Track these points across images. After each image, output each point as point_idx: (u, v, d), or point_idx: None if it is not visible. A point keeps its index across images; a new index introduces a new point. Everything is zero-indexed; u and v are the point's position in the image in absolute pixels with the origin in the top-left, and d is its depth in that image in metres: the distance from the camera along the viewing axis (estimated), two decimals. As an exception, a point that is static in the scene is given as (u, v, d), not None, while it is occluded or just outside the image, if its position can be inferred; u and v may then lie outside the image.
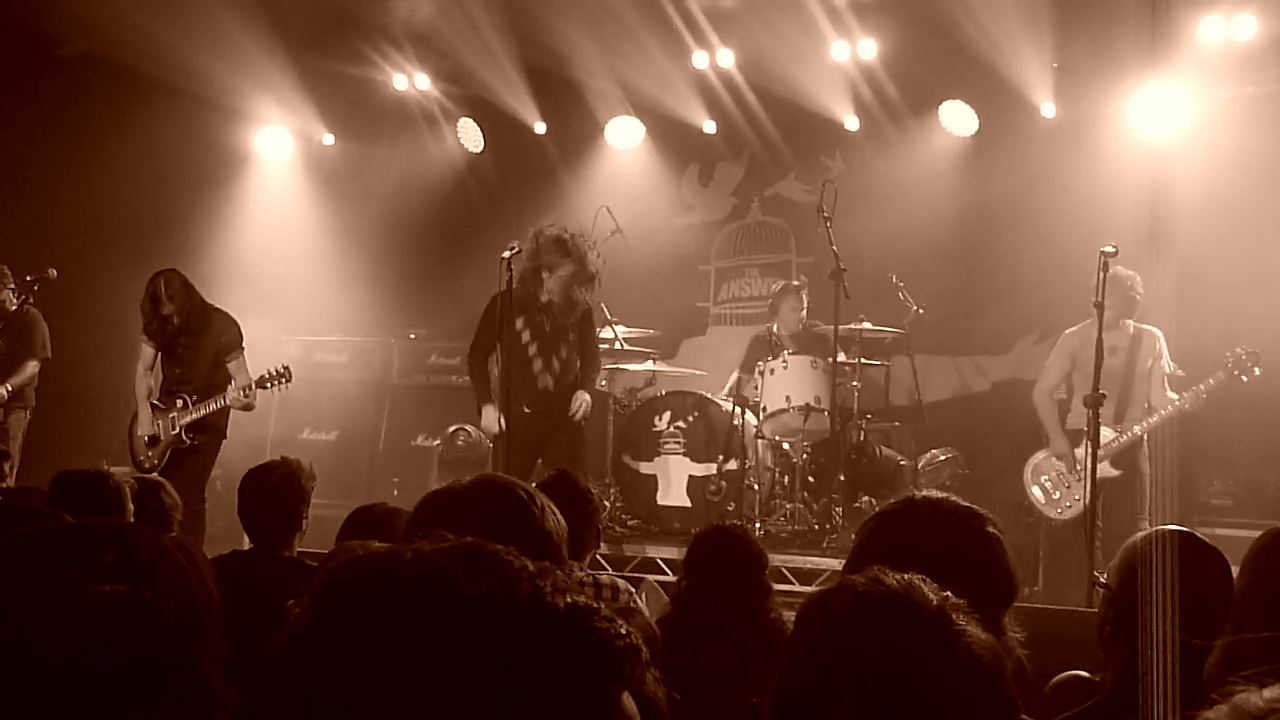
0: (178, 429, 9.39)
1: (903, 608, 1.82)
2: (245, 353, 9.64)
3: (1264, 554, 3.97)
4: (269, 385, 9.40)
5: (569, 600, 1.23)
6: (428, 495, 2.89)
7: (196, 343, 9.51)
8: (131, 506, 5.41)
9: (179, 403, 9.43)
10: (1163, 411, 8.98)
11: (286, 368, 9.48)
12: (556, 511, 2.88)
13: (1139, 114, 11.10)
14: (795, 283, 11.18)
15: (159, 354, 9.60)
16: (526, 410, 9.13)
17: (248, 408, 9.53)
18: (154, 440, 9.48)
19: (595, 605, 1.24)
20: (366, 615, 1.22)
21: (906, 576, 1.88)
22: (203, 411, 9.39)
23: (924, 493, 2.90)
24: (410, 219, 13.71)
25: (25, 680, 1.84)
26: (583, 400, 9.50)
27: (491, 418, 9.13)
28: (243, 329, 9.70)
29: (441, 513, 2.75)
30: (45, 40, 12.60)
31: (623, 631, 1.24)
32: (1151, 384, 9.14)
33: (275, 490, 5.67)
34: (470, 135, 13.69)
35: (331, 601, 1.26)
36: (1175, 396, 9.00)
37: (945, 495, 2.94)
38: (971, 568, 2.64)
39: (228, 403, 9.38)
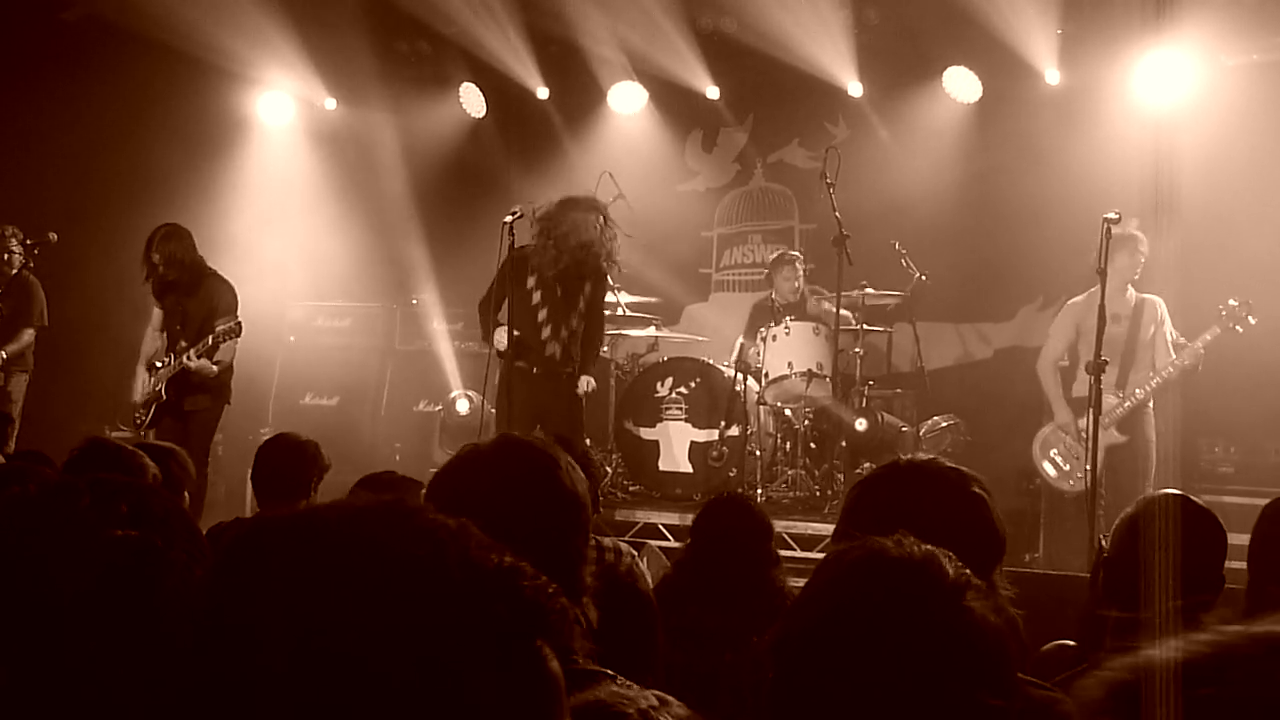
0: (160, 385, 9.42)
1: (919, 571, 1.83)
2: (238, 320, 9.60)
3: (1270, 524, 3.98)
4: (222, 340, 9.33)
5: (494, 559, 1.21)
6: (454, 458, 2.87)
7: (189, 302, 9.52)
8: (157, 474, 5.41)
9: (164, 361, 9.48)
10: (1164, 374, 8.99)
11: (238, 322, 9.39)
12: (579, 469, 2.87)
13: (1143, 81, 11.06)
14: (792, 253, 11.18)
15: (164, 315, 9.64)
16: (535, 372, 9.10)
17: (209, 367, 9.40)
18: (146, 399, 9.53)
19: (520, 565, 1.22)
20: (280, 578, 1.18)
21: (930, 547, 1.89)
22: (173, 369, 9.38)
23: (909, 456, 2.92)
24: (412, 184, 13.68)
25: (36, 623, 1.85)
26: (590, 384, 9.53)
27: (503, 337, 9.03)
28: (240, 296, 9.68)
29: (469, 476, 2.74)
30: (48, 3, 12.57)
31: (549, 590, 1.22)
32: (1155, 350, 9.14)
33: (290, 458, 5.73)
34: (473, 100, 13.65)
35: (242, 564, 1.21)
36: (1177, 358, 9.02)
37: (931, 457, 2.95)
38: (958, 527, 2.64)
39: (189, 365, 9.32)
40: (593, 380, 9.60)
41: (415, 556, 1.18)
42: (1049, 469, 9.47)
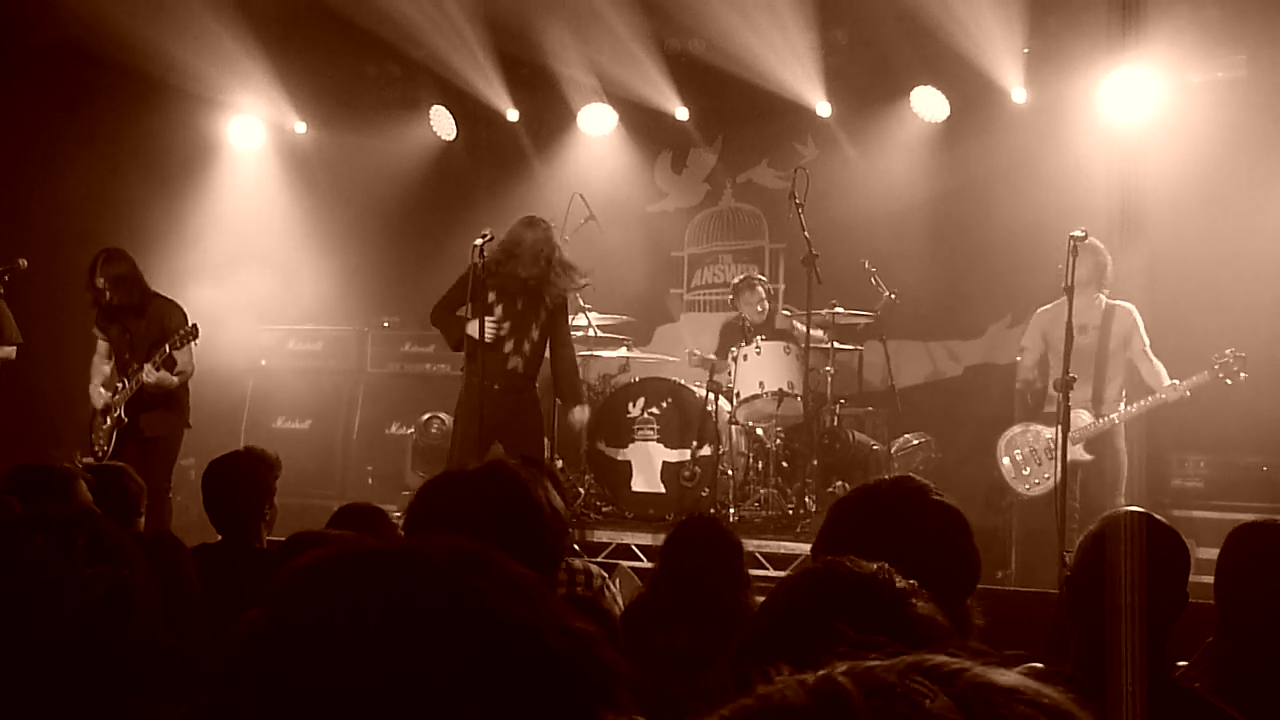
0: (119, 410, 9.39)
1: (868, 581, 1.85)
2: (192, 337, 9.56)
3: (1234, 551, 4.01)
4: (180, 345, 9.30)
5: (578, 624, 1.19)
6: (434, 480, 2.88)
7: (137, 324, 9.50)
8: (88, 498, 5.36)
9: (119, 385, 9.45)
10: (1145, 401, 8.99)
11: (194, 325, 9.37)
12: (555, 494, 2.88)
13: (1109, 99, 11.13)
14: (755, 277, 11.16)
15: (111, 344, 9.62)
16: (496, 389, 9.09)
17: (169, 379, 9.40)
18: (104, 426, 9.50)
19: (595, 631, 1.20)
20: (358, 626, 1.13)
21: (881, 564, 1.92)
22: (130, 391, 9.35)
23: (888, 476, 2.94)
24: (383, 207, 13.69)
25: (14, 671, 1.85)
26: (585, 413, 9.75)
27: (474, 327, 9.00)
28: (211, 320, 9.64)
29: (447, 499, 2.75)
30: (16, 28, 12.54)
31: (618, 659, 1.21)
32: (1135, 360, 9.14)
33: (238, 481, 5.67)
34: (443, 123, 13.65)
35: (322, 604, 1.16)
36: (1163, 371, 9.00)
37: (908, 478, 2.96)
38: (935, 552, 2.66)
39: (147, 380, 9.29)
40: (587, 409, 9.74)
41: (516, 613, 1.16)
42: (1007, 465, 9.47)
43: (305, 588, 1.19)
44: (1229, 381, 8.77)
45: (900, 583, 1.87)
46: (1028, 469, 9.39)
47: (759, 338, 10.22)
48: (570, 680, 1.15)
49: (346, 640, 1.12)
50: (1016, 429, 9.52)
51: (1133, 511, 3.34)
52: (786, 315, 10.88)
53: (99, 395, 9.60)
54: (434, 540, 1.24)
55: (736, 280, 11.28)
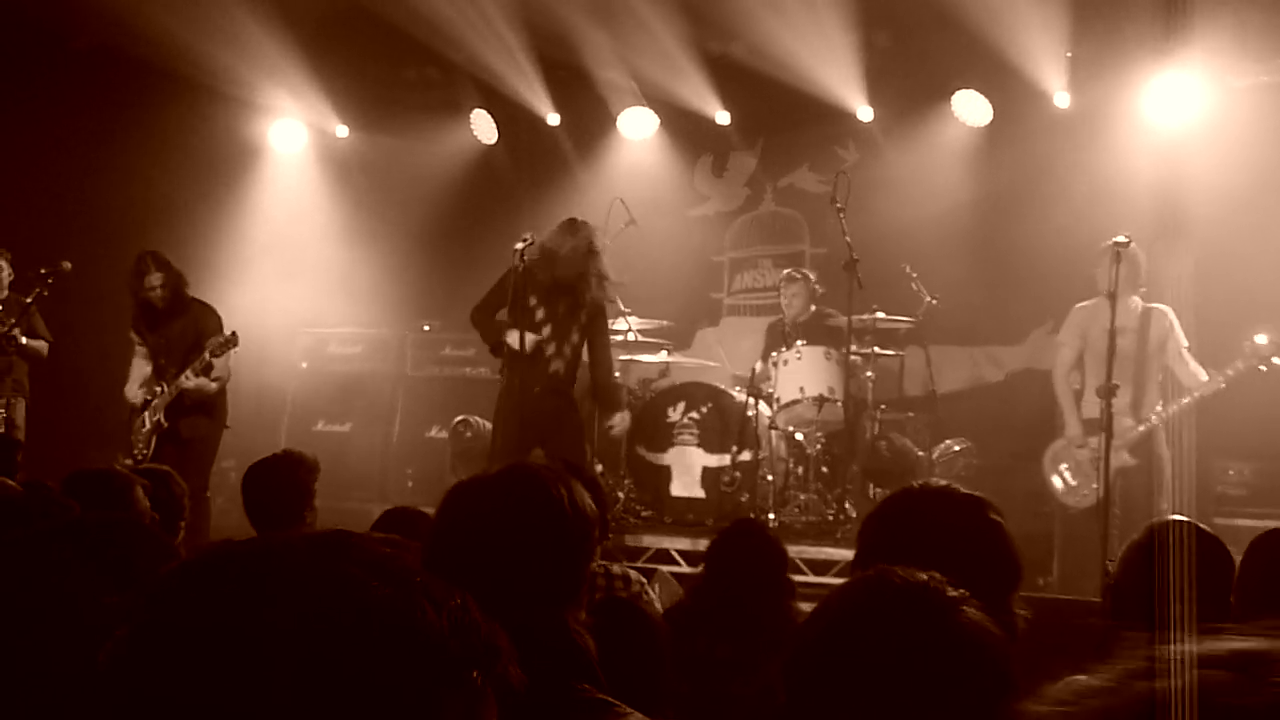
0: (158, 415, 9.45)
1: (920, 589, 1.85)
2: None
3: (1263, 555, 3.96)
4: (219, 353, 9.35)
5: (450, 598, 1.22)
6: (455, 487, 2.88)
7: (174, 329, 9.56)
8: (146, 504, 5.38)
9: (158, 390, 9.50)
10: (1184, 400, 8.90)
11: (233, 333, 9.43)
12: (585, 492, 2.86)
13: (1153, 103, 11.06)
14: (796, 272, 11.13)
15: (149, 349, 9.68)
16: (537, 391, 9.07)
17: (208, 384, 9.46)
18: (144, 429, 9.55)
19: (471, 602, 1.24)
20: (233, 612, 1.17)
21: (932, 573, 1.92)
22: (169, 396, 9.41)
23: (923, 482, 2.92)
24: (424, 211, 13.72)
25: (26, 686, 1.85)
26: (625, 420, 9.60)
27: (515, 337, 8.91)
28: (252, 323, 9.69)
29: (469, 504, 2.74)
30: (58, 33, 12.63)
31: (496, 630, 1.25)
32: (1172, 363, 9.03)
33: (278, 484, 5.70)
34: (484, 127, 13.68)
35: (194, 594, 1.20)
36: (1200, 371, 8.90)
37: (947, 484, 2.95)
38: (974, 552, 2.65)
39: (185, 386, 9.35)
40: (627, 415, 9.64)
41: (380, 594, 1.19)
42: (1057, 482, 9.40)
43: (176, 594, 1.21)
44: (1263, 368, 8.66)
45: (952, 591, 1.87)
46: (1076, 481, 9.29)
47: (800, 342, 10.18)
48: (443, 651, 1.19)
49: (226, 642, 1.15)
50: (1060, 443, 9.40)
51: (1177, 520, 3.31)
52: (831, 314, 10.81)
53: (136, 394, 9.67)
54: (298, 535, 1.27)
55: (782, 276, 11.23)
